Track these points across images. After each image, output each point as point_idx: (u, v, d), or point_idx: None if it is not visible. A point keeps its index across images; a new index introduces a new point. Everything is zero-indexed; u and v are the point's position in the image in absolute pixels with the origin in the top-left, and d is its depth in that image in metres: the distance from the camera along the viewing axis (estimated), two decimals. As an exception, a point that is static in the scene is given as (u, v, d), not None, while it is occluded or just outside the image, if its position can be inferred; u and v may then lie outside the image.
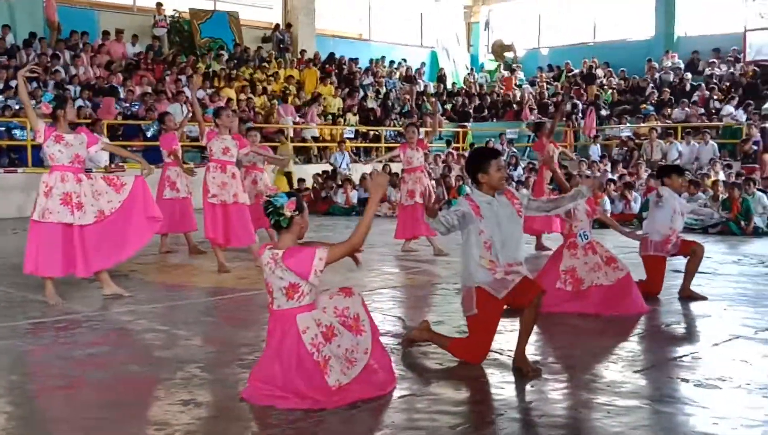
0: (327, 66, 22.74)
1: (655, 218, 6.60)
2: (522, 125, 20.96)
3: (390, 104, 22.09)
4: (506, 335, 4.87)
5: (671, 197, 6.56)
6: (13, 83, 14.27)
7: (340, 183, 16.33)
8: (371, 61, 24.35)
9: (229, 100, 17.87)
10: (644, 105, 20.92)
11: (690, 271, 6.51)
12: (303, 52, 22.45)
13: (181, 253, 9.42)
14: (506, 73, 25.83)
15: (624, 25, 25.49)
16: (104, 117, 15.72)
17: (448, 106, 23.47)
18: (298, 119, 19.10)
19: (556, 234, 9.23)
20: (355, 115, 20.67)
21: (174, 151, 9.34)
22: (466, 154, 11.21)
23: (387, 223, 12.78)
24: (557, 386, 4.07)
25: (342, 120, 19.93)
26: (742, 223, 11.41)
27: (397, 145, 11.97)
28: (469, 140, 22.05)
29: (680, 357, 4.63)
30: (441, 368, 4.40)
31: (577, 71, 24.27)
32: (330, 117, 19.98)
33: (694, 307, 6.18)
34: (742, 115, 18.21)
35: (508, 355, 4.46)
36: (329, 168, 17.61)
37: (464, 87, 25.65)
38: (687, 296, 6.45)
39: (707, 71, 21.69)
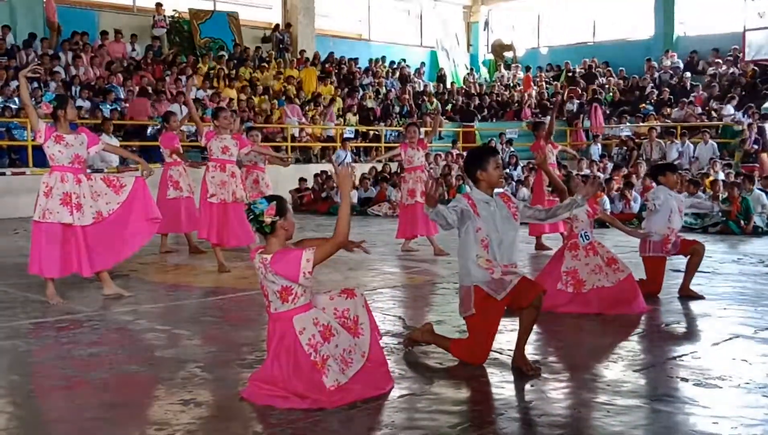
0: (326, 66, 22.75)
1: (653, 219, 6.59)
2: (522, 124, 20.97)
3: (390, 104, 22.08)
4: (506, 335, 4.87)
5: (668, 196, 6.54)
6: (13, 84, 14.26)
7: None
8: (371, 61, 24.34)
9: (230, 100, 17.87)
10: (644, 105, 20.92)
11: (690, 270, 6.50)
12: (302, 52, 22.45)
13: (181, 253, 9.43)
14: (521, 74, 25.78)
15: (623, 24, 25.49)
16: (138, 118, 16.11)
17: (449, 107, 23.46)
18: (303, 120, 19.11)
19: (556, 234, 9.23)
20: (354, 115, 20.68)
21: (176, 150, 9.34)
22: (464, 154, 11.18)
23: (387, 223, 12.78)
24: (557, 386, 4.07)
25: (342, 120, 19.91)
26: (742, 222, 11.41)
27: (397, 144, 11.96)
28: (478, 141, 22.02)
29: (680, 356, 4.63)
30: (441, 368, 4.41)
31: (578, 69, 24.28)
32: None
33: (694, 306, 6.18)
34: (742, 116, 18.22)
35: (508, 355, 4.46)
36: (329, 168, 17.55)
37: (464, 87, 25.65)
38: (686, 295, 6.45)
39: (707, 71, 21.69)
